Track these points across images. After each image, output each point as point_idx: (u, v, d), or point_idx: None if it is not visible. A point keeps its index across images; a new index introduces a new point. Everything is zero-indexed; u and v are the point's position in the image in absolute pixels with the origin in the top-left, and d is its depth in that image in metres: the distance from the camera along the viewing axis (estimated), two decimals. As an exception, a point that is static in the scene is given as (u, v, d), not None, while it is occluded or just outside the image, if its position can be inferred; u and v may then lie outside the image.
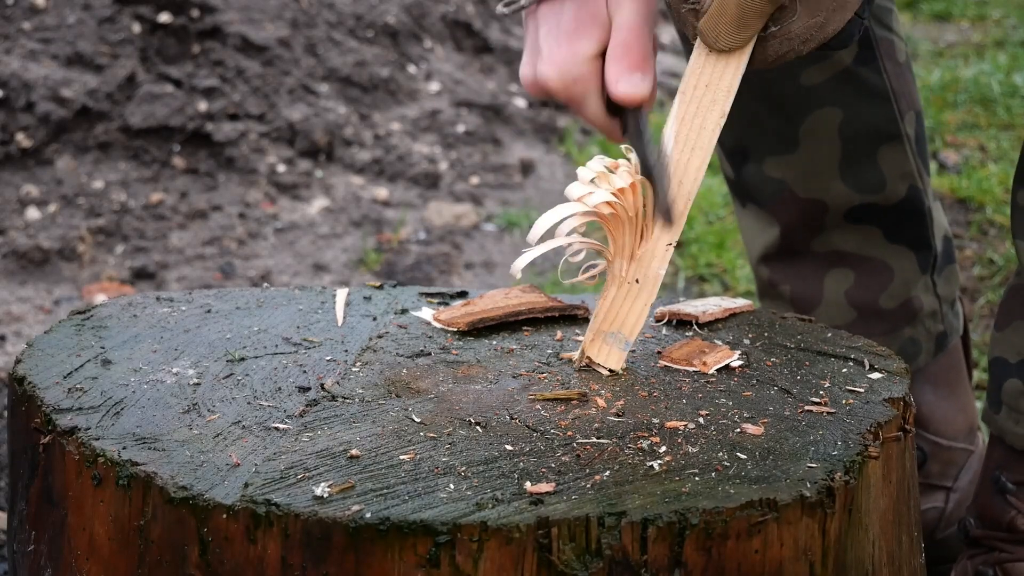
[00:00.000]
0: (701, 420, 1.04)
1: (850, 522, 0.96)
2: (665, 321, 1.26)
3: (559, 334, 1.22)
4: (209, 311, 1.26)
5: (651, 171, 1.09)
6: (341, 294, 1.31)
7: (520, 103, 3.85)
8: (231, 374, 1.11)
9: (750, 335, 1.23)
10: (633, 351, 1.17)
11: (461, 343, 1.20)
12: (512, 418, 1.04)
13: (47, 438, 1.01)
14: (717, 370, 1.14)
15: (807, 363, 1.17)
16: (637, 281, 1.11)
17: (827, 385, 1.12)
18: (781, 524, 0.92)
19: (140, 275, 2.79)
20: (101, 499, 0.96)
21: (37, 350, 1.15)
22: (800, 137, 1.61)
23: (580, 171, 1.06)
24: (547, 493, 0.92)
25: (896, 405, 1.07)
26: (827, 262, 1.68)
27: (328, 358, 1.15)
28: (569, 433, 1.01)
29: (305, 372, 1.12)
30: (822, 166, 1.62)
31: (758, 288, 1.77)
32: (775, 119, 1.61)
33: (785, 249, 1.69)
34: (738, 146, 1.67)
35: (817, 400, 1.08)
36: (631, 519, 0.90)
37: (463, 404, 1.06)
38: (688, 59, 1.12)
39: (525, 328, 1.24)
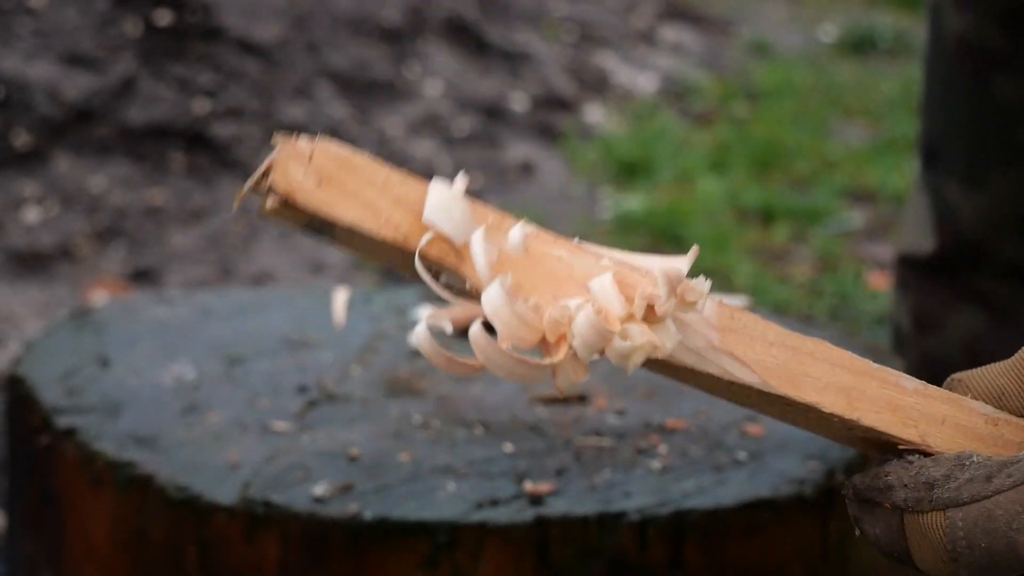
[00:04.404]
0: (701, 420, 1.04)
1: (850, 522, 0.96)
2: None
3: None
4: (209, 311, 1.25)
5: None
6: (341, 294, 1.30)
7: (520, 103, 3.85)
8: (230, 374, 1.11)
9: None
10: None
11: (461, 343, 1.19)
12: (512, 418, 1.04)
13: (45, 439, 1.01)
14: (717, 370, 1.14)
15: (807, 363, 1.16)
16: None
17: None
18: (781, 524, 0.92)
19: (139, 275, 2.78)
20: (99, 500, 0.96)
21: (36, 350, 1.15)
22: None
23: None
24: (547, 493, 0.92)
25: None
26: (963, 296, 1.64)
27: (328, 358, 1.15)
28: (569, 433, 1.01)
29: (305, 372, 1.12)
30: (1011, 218, 1.58)
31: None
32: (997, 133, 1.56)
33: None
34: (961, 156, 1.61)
35: (817, 400, 1.08)
36: (631, 519, 0.90)
37: (463, 404, 1.06)
38: None
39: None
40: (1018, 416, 0.69)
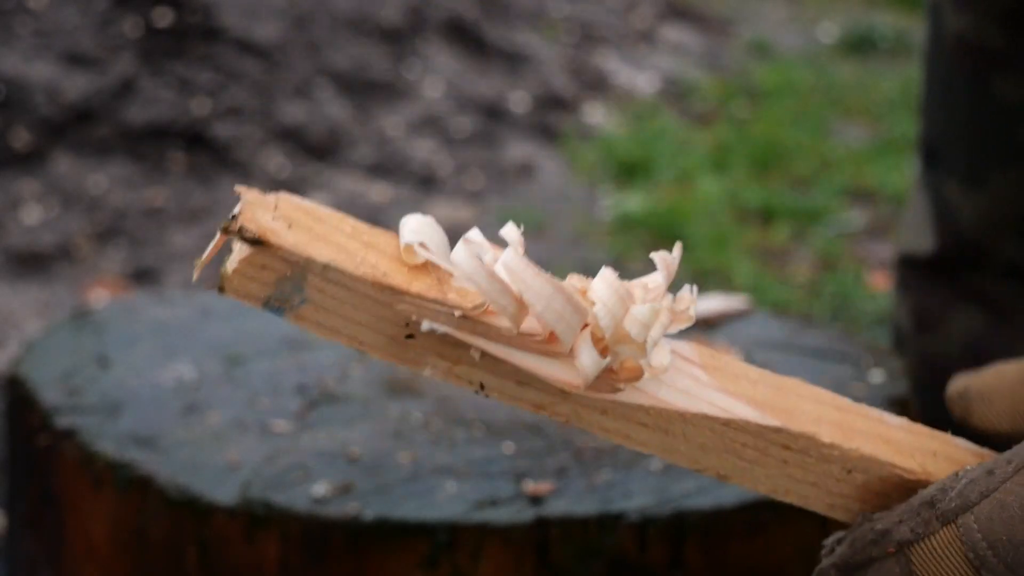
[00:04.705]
0: (701, 420, 1.04)
1: None
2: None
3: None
4: (209, 311, 1.25)
5: None
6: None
7: (520, 103, 3.85)
8: (230, 374, 1.11)
9: (749, 334, 1.23)
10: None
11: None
12: (512, 418, 1.04)
13: (45, 439, 1.01)
14: (717, 370, 1.14)
15: (807, 362, 1.16)
16: None
17: (827, 384, 1.11)
18: (782, 524, 0.92)
19: (139, 275, 2.78)
20: (99, 500, 0.96)
21: (35, 350, 1.15)
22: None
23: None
24: (547, 493, 0.92)
25: (897, 404, 1.07)
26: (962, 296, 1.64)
27: (328, 358, 1.15)
28: (569, 433, 1.01)
29: (305, 372, 1.12)
30: (1011, 218, 1.58)
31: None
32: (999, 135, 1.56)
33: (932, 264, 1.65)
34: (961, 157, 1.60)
35: (817, 400, 1.08)
36: (631, 519, 0.90)
37: (463, 404, 1.06)
38: None
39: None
40: None
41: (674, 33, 4.51)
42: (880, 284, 2.79)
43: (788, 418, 0.65)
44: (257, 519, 0.90)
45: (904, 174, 3.22)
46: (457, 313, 0.61)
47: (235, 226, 0.60)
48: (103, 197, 3.00)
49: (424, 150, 3.45)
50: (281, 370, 1.12)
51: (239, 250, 0.60)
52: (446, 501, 0.90)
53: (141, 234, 2.94)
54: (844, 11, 4.76)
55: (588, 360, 0.62)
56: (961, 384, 0.68)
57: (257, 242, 0.59)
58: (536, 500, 0.91)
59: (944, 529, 0.61)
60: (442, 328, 0.62)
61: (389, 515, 0.89)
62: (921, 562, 0.61)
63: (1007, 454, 0.61)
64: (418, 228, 0.63)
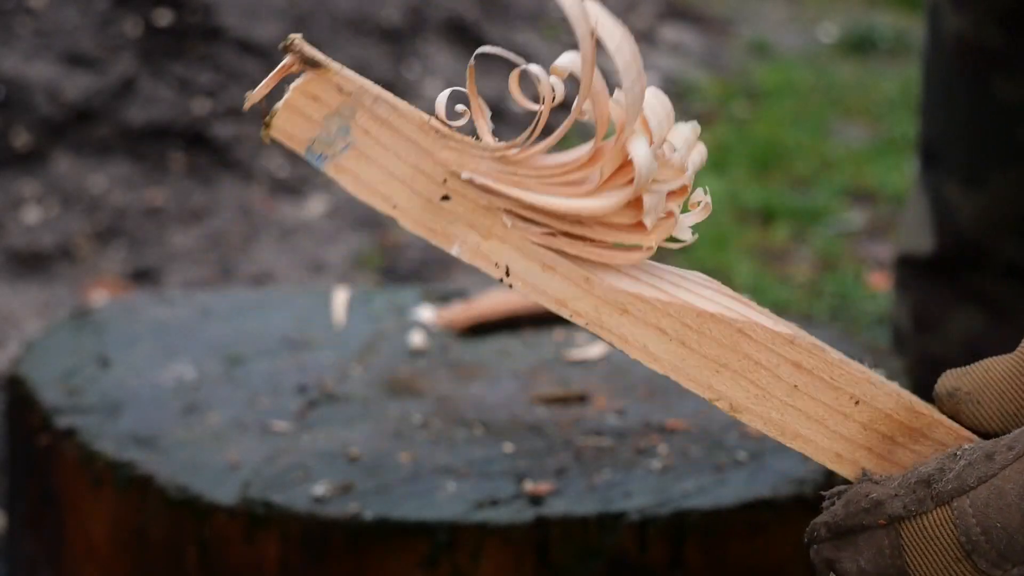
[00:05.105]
0: (701, 420, 1.04)
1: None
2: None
3: (559, 334, 1.22)
4: (209, 311, 1.25)
5: None
6: (341, 294, 1.30)
7: (520, 103, 3.85)
8: (230, 374, 1.11)
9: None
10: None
11: (461, 343, 1.20)
12: (512, 418, 1.04)
13: (45, 439, 1.01)
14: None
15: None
16: None
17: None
18: (781, 524, 0.92)
19: (139, 275, 2.78)
20: (99, 500, 0.96)
21: (36, 350, 1.15)
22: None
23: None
24: (547, 493, 0.92)
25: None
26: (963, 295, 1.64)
27: (328, 358, 1.15)
28: (569, 433, 1.01)
29: (305, 372, 1.12)
30: (1011, 218, 1.58)
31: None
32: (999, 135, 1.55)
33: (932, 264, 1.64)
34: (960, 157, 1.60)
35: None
36: (631, 519, 0.90)
37: (463, 404, 1.06)
38: None
39: (525, 328, 1.24)
40: None
41: (674, 33, 4.51)
42: (880, 284, 2.79)
43: (796, 333, 0.65)
44: (257, 519, 0.90)
45: (904, 174, 3.22)
46: (497, 153, 0.62)
47: (295, 45, 0.59)
48: (103, 197, 3.00)
49: (424, 150, 3.45)
50: (281, 370, 1.12)
51: (293, 82, 0.59)
52: (446, 501, 0.90)
53: (141, 234, 2.94)
54: (844, 11, 4.76)
55: (642, 154, 0.62)
56: (950, 383, 0.67)
57: (314, 63, 0.59)
58: (536, 500, 0.91)
59: (938, 510, 0.60)
60: (480, 177, 0.62)
61: (389, 515, 0.89)
62: (911, 539, 0.61)
63: (1008, 439, 0.61)
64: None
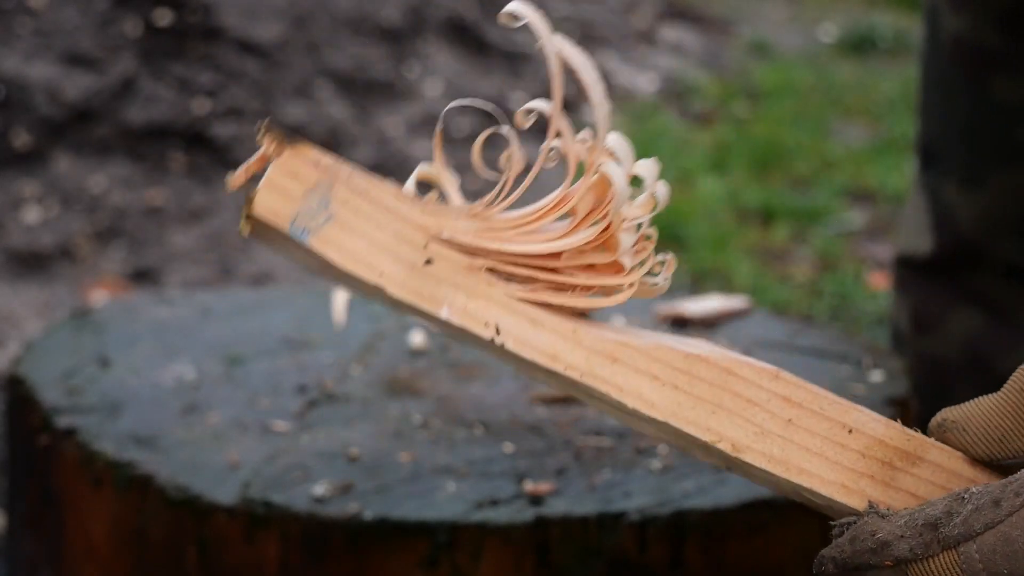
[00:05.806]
0: (701, 420, 1.03)
1: None
2: (664, 321, 1.26)
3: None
4: (208, 311, 1.25)
5: None
6: (341, 294, 1.30)
7: (520, 103, 3.86)
8: (230, 374, 1.11)
9: (749, 334, 1.23)
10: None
11: (461, 343, 1.20)
12: (512, 418, 1.04)
13: (45, 439, 1.01)
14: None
15: (806, 362, 1.16)
16: None
17: (826, 384, 1.11)
18: (781, 524, 0.92)
19: (139, 275, 2.78)
20: (99, 500, 0.96)
21: (36, 350, 1.15)
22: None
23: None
24: (547, 493, 0.92)
25: (896, 405, 1.07)
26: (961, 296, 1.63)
27: (328, 358, 1.15)
28: (569, 433, 1.01)
29: (305, 372, 1.12)
30: (1010, 218, 1.57)
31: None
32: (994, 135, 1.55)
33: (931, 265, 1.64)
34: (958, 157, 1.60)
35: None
36: (631, 519, 0.90)
37: (463, 404, 1.06)
38: None
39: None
40: (1020, 456, 0.66)
41: (674, 33, 4.51)
42: (880, 284, 2.79)
43: (779, 369, 0.66)
44: (257, 519, 0.90)
45: (904, 174, 3.22)
46: (475, 209, 0.64)
47: (269, 127, 0.61)
48: (103, 197, 3.00)
49: (424, 150, 3.45)
50: (281, 370, 1.12)
51: (271, 160, 0.61)
52: (446, 501, 0.90)
53: (141, 234, 2.94)
54: (844, 11, 4.76)
55: (617, 173, 0.65)
56: (940, 416, 0.68)
57: (290, 140, 0.61)
58: (536, 500, 0.91)
59: (944, 554, 0.61)
60: (459, 236, 0.63)
61: (389, 515, 0.89)
62: None
63: (1016, 485, 0.61)
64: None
